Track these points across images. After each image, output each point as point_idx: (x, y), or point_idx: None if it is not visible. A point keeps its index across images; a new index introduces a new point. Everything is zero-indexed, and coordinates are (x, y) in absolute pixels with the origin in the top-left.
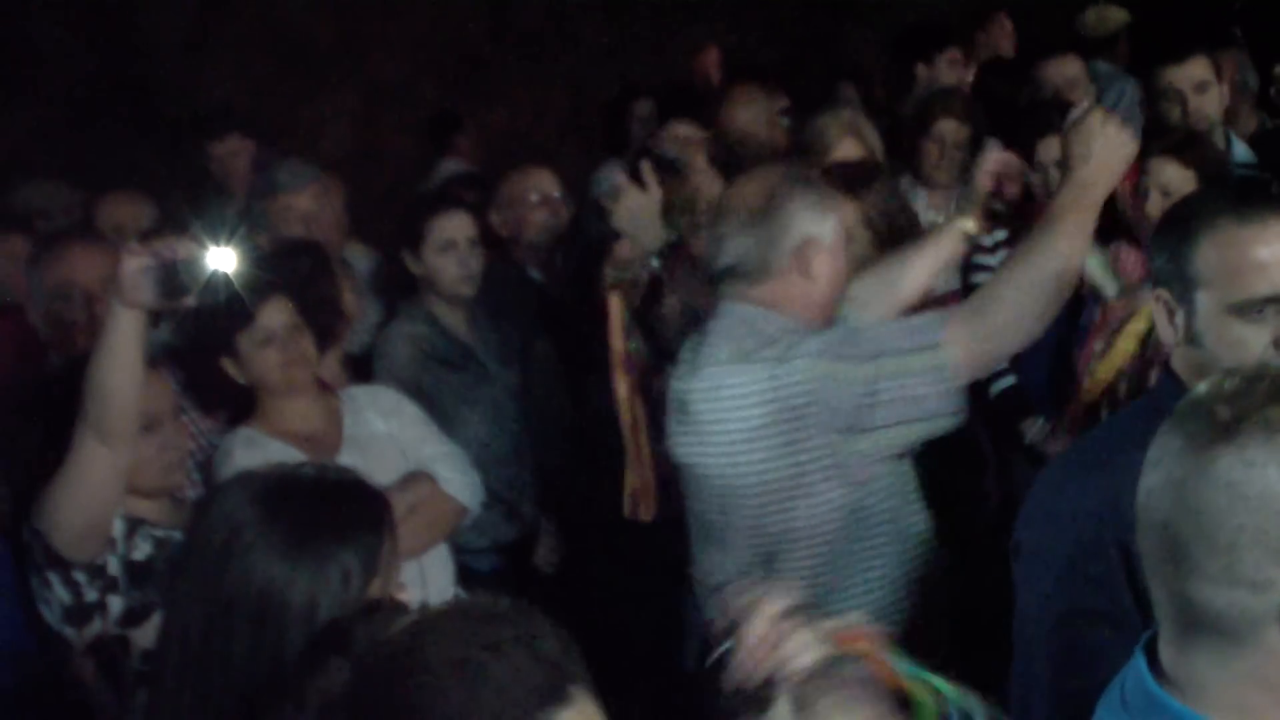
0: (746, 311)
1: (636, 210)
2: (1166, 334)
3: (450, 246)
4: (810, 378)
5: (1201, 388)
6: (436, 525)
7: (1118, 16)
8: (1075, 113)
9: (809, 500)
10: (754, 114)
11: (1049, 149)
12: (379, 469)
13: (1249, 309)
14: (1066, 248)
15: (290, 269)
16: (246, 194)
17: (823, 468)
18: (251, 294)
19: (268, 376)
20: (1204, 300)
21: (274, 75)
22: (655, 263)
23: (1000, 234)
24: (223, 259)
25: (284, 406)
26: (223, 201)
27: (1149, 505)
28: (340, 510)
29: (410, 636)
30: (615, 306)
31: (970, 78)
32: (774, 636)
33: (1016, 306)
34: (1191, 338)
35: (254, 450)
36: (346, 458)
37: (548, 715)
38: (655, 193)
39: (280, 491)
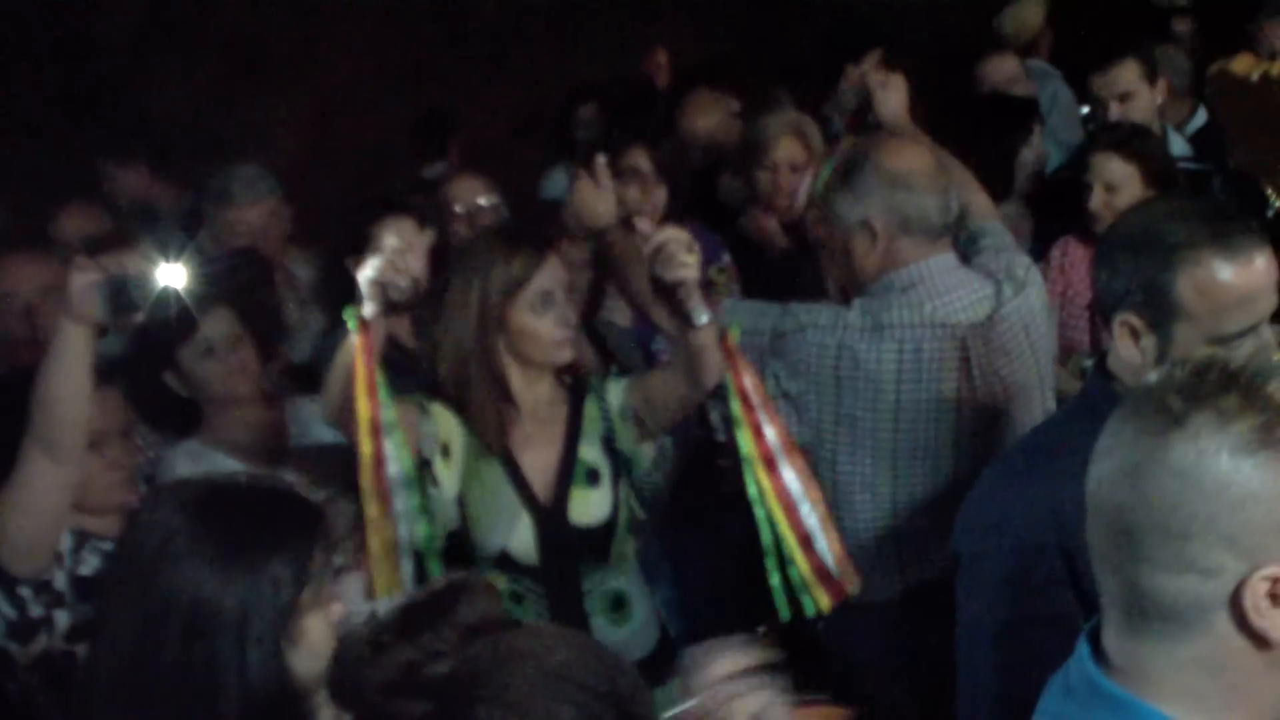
0: (953, 258)
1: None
2: (1129, 355)
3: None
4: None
5: (1152, 378)
6: None
7: (1034, 18)
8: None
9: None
10: (714, 121)
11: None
12: (326, 479)
13: (1230, 339)
14: None
15: (231, 279)
16: (193, 200)
17: None
18: (194, 305)
19: (210, 388)
20: (1184, 331)
21: (224, 80)
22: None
23: None
24: (172, 274)
25: (227, 418)
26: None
27: (1099, 493)
28: (270, 519)
29: (497, 660)
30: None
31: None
32: (730, 691)
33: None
34: (1162, 362)
35: (197, 462)
36: (292, 468)
37: None
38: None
39: (211, 500)
